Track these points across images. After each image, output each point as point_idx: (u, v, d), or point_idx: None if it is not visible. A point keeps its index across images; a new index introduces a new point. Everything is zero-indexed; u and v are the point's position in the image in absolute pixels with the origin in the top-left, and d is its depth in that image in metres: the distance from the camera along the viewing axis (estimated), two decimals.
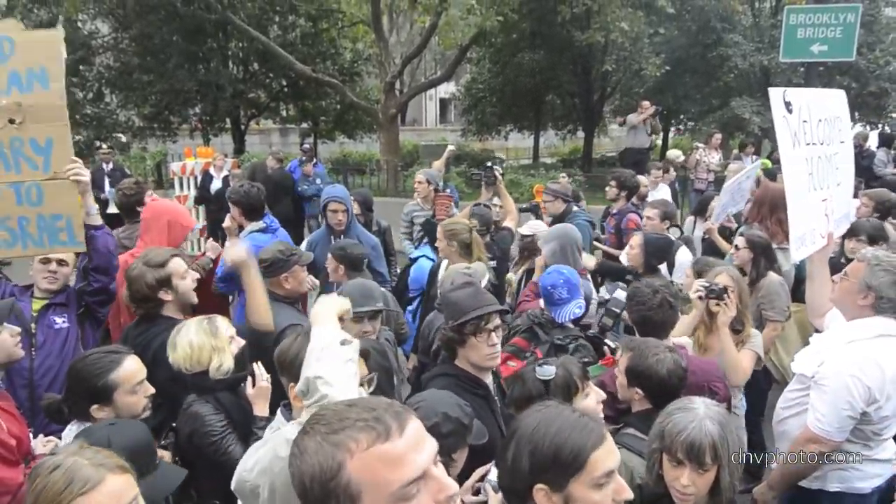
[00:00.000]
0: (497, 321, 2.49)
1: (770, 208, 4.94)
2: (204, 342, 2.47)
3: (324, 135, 21.26)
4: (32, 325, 3.07)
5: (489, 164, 6.00)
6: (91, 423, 2.23)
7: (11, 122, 2.76)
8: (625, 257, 4.67)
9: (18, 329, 2.64)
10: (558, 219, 5.42)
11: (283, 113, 20.92)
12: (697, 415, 1.85)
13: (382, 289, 3.73)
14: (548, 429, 1.46)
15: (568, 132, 23.06)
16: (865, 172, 10.10)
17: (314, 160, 12.79)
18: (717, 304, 3.14)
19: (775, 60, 12.52)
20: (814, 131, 3.29)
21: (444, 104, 36.20)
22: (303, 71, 14.51)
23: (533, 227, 5.08)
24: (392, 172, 12.87)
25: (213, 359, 2.46)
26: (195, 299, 3.28)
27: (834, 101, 3.62)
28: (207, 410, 2.44)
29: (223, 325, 2.58)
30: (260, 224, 4.58)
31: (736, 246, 4.43)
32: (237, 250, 3.23)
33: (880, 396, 2.47)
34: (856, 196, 5.41)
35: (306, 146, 11.27)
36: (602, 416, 2.09)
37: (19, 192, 2.82)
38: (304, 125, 21.39)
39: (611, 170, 8.37)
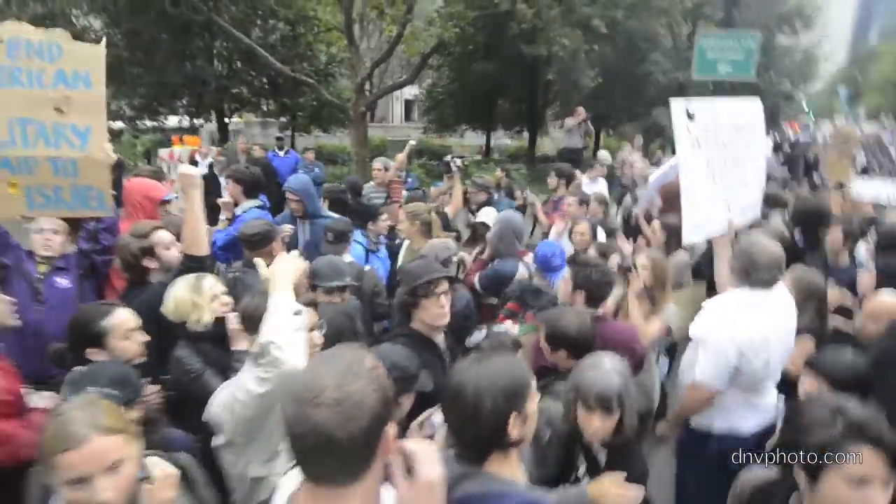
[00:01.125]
0: (445, 286, 2.51)
1: (676, 199, 5.10)
2: (186, 297, 2.46)
3: (300, 128, 20.78)
4: (38, 285, 3.06)
5: (448, 157, 6.04)
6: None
7: (57, 110, 2.98)
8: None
9: (12, 300, 2.57)
10: (481, 206, 5.62)
11: (264, 107, 20.35)
12: (605, 370, 1.94)
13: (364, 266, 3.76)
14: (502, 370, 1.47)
15: (515, 132, 23.18)
16: None
17: (287, 150, 12.60)
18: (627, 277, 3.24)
19: (689, 77, 12.82)
20: (718, 136, 3.31)
21: (408, 104, 35.75)
22: (282, 70, 14.12)
23: (487, 214, 5.16)
24: (361, 164, 12.70)
25: (193, 313, 2.45)
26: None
27: (747, 109, 3.63)
28: (186, 354, 2.44)
29: (209, 283, 2.55)
30: (256, 202, 4.51)
31: (653, 231, 4.60)
32: (189, 168, 3.05)
33: (748, 352, 2.55)
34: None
35: (280, 136, 11.38)
36: None
37: (56, 165, 3.03)
38: (283, 119, 20.90)
39: (552, 165, 8.55)
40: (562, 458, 2.01)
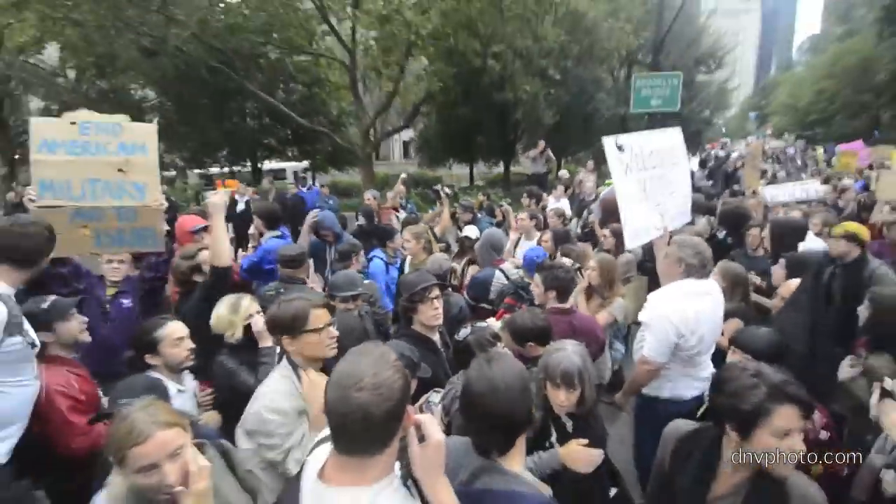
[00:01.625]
0: (437, 292, 2.50)
1: (613, 212, 5.11)
2: (224, 315, 2.45)
3: (319, 168, 20.83)
4: (107, 306, 3.07)
5: (438, 186, 6.09)
6: (149, 370, 2.24)
7: (120, 171, 3.12)
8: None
9: (85, 319, 2.54)
10: (467, 223, 5.67)
11: (289, 153, 20.46)
12: (568, 353, 1.93)
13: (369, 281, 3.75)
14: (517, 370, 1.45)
15: (492, 163, 23.21)
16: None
17: (308, 185, 12.63)
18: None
19: (628, 111, 12.93)
20: (646, 161, 3.31)
21: (406, 145, 35.78)
22: (302, 123, 14.20)
23: (467, 230, 5.18)
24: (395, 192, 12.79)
25: (229, 328, 2.44)
26: None
27: (668, 136, 3.63)
28: (225, 358, 2.42)
29: (245, 303, 2.51)
30: (276, 232, 4.49)
31: (604, 235, 4.62)
32: (218, 196, 3.02)
33: (686, 332, 2.55)
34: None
35: (301, 175, 11.50)
36: None
37: (120, 212, 3.15)
38: (306, 162, 20.96)
39: (524, 188, 8.62)
40: (536, 429, 1.99)
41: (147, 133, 3.27)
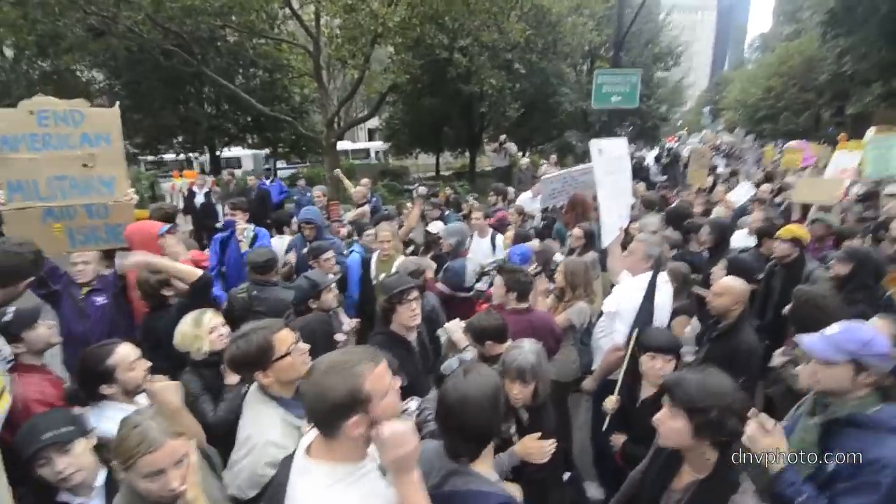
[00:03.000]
0: (415, 294, 2.61)
1: (583, 209, 5.31)
2: (189, 331, 2.39)
3: (281, 157, 20.30)
4: (82, 304, 3.04)
5: (413, 187, 6.22)
6: (104, 401, 2.09)
7: (85, 165, 3.08)
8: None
9: (53, 322, 2.50)
10: (437, 219, 5.84)
11: (249, 141, 19.78)
12: (524, 351, 2.07)
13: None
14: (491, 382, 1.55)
15: (459, 153, 23.39)
16: (645, 180, 11.13)
17: (272, 178, 12.39)
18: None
19: (590, 105, 13.29)
20: (611, 165, 3.58)
21: (371, 132, 35.38)
22: (262, 110, 13.78)
23: (436, 226, 5.32)
24: (333, 185, 12.58)
25: (194, 343, 2.38)
26: None
27: (620, 144, 3.88)
28: (189, 378, 2.37)
29: (208, 317, 2.44)
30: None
31: (575, 237, 4.65)
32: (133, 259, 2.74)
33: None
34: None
35: (267, 167, 11.12)
36: None
37: (90, 210, 3.15)
38: (266, 150, 20.34)
39: (491, 185, 8.76)
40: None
41: (109, 119, 3.20)
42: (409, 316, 2.56)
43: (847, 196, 6.52)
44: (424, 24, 11.06)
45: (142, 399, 2.18)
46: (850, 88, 30.41)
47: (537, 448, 1.98)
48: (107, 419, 2.01)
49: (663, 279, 3.05)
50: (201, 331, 2.39)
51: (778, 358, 3.06)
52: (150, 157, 17.20)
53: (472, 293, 3.87)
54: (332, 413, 1.21)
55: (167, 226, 3.70)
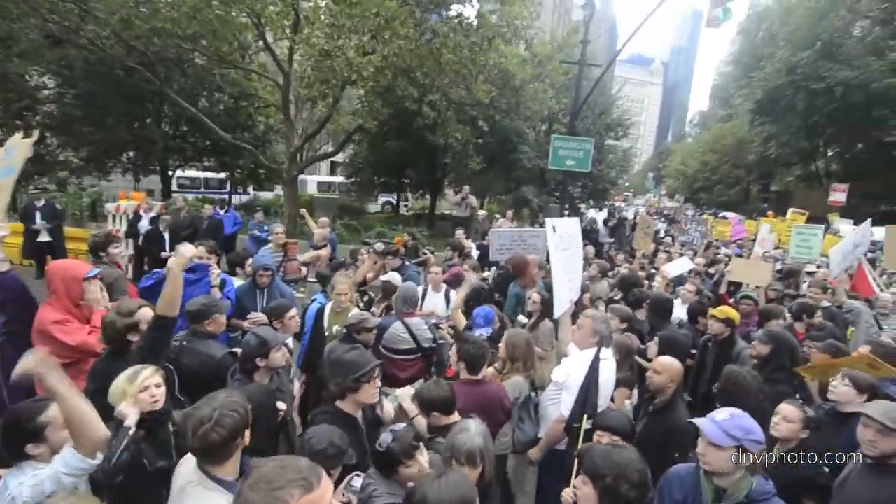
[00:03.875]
0: (378, 370, 2.52)
1: (521, 272, 5.61)
2: (120, 386, 2.17)
3: (238, 183, 19.78)
4: None
5: (372, 242, 6.16)
6: (27, 461, 1.92)
7: None
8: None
9: None
10: (396, 270, 5.72)
11: (205, 163, 19.10)
12: (471, 434, 2.07)
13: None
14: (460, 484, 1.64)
15: (420, 195, 23.59)
16: (594, 242, 11.73)
17: (227, 209, 12.05)
18: None
19: (547, 164, 13.95)
20: (564, 242, 3.78)
21: (333, 166, 35.36)
22: (223, 136, 13.46)
23: (391, 276, 5.34)
24: (292, 220, 12.40)
25: (121, 398, 2.15)
26: None
27: (573, 225, 4.12)
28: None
29: (145, 374, 2.23)
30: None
31: (533, 301, 4.68)
32: (177, 260, 2.64)
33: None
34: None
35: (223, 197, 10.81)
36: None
37: None
38: (223, 174, 19.71)
39: (448, 240, 8.85)
40: None
41: (25, 152, 3.24)
42: (372, 393, 2.48)
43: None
44: (397, 76, 11.45)
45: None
46: (774, 169, 34.21)
47: None
48: (22, 485, 1.85)
49: (607, 354, 3.19)
50: (132, 387, 2.17)
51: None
52: (95, 174, 16.13)
53: (421, 353, 3.87)
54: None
55: (96, 270, 3.37)
